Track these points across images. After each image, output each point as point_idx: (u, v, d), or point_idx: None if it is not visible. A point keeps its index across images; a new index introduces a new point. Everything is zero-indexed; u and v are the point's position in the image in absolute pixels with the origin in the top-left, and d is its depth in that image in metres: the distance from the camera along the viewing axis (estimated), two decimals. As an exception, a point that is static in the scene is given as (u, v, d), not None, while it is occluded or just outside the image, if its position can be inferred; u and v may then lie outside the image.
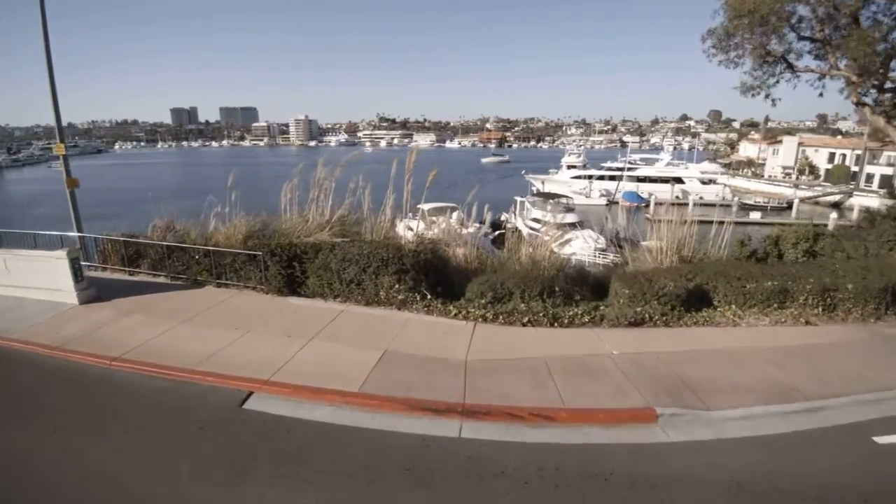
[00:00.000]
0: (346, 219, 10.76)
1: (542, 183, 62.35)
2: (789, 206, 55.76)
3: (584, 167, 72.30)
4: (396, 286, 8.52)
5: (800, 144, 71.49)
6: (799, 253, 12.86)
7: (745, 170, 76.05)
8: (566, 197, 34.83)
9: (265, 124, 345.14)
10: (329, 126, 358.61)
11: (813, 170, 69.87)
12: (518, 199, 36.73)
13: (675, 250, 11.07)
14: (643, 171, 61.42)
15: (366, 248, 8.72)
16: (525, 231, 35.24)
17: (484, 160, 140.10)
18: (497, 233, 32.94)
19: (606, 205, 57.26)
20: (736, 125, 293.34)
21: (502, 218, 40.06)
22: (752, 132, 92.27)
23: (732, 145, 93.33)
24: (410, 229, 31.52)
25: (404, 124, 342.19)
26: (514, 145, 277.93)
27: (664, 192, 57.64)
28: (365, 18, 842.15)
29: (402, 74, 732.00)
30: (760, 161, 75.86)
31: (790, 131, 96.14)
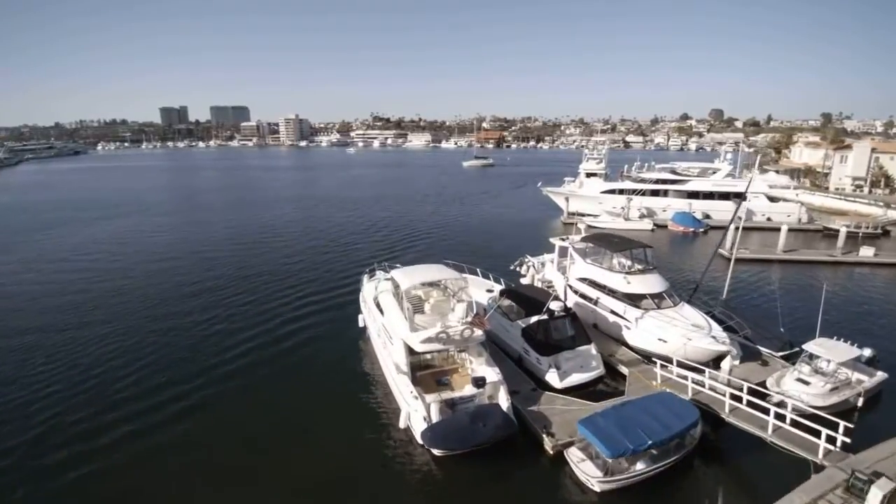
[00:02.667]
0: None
1: (566, 200, 49.30)
2: (884, 233, 43.16)
3: (606, 176, 59.74)
4: None
5: (872, 150, 59.08)
6: None
7: (803, 180, 63.49)
8: (644, 246, 21.55)
9: (255, 124, 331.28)
10: (322, 126, 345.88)
11: (889, 181, 57.63)
12: (557, 242, 23.74)
13: None
14: (695, 185, 48.58)
15: None
16: (571, 299, 19.10)
17: (465, 164, 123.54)
18: (536, 319, 15.52)
19: (652, 230, 44.44)
20: (738, 125, 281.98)
21: (528, 269, 26.95)
22: (810, 135, 79.73)
23: (778, 149, 79.96)
24: (379, 309, 17.32)
25: (399, 124, 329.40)
26: (514, 146, 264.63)
27: (723, 211, 44.89)
28: (363, 18, 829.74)
29: (398, 74, 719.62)
30: (825, 170, 63.10)
31: (833, 132, 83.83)
